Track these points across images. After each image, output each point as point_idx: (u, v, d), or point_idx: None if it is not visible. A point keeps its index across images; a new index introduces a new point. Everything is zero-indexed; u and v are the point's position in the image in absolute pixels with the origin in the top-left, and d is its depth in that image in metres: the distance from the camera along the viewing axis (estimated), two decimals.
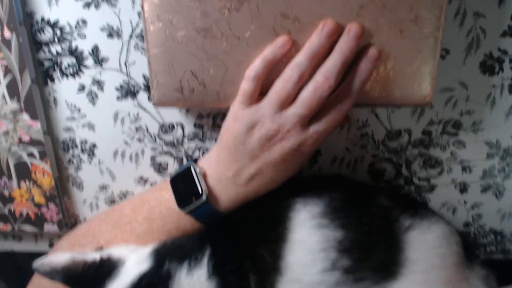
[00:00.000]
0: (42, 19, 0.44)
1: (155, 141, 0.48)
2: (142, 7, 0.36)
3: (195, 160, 0.42)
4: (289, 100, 0.36)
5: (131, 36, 0.44)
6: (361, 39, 0.35)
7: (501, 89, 0.44)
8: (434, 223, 0.41)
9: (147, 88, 0.45)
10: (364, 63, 0.36)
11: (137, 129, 0.47)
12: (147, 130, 0.47)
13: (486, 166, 0.47)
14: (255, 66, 0.37)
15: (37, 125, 0.47)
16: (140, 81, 0.45)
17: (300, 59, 0.36)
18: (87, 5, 0.43)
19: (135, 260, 0.39)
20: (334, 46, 0.36)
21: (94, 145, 0.49)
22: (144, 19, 0.37)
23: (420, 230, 0.40)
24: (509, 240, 0.51)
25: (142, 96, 0.46)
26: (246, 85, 0.37)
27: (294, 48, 0.37)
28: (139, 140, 0.48)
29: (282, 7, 0.35)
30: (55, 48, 0.45)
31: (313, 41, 0.36)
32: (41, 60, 0.45)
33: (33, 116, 0.46)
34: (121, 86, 0.46)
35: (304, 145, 0.37)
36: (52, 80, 0.46)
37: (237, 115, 0.38)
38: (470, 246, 0.48)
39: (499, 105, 0.45)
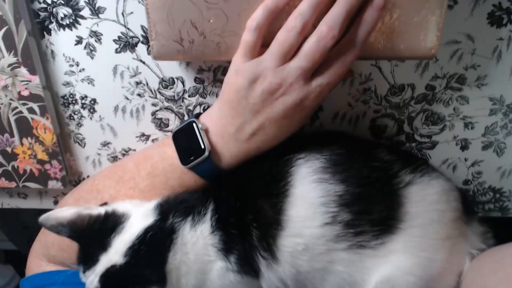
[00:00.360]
0: None
1: (156, 96, 0.47)
2: None
3: (197, 115, 0.42)
4: (292, 51, 0.35)
5: None
6: None
7: (508, 42, 0.43)
8: (434, 178, 0.42)
9: (146, 40, 0.44)
10: (369, 12, 0.35)
11: (137, 84, 0.47)
12: (147, 84, 0.47)
13: (488, 123, 0.47)
14: (257, 15, 0.35)
15: (36, 80, 0.46)
16: (139, 32, 0.44)
17: (303, 8, 0.34)
18: None
19: (139, 215, 0.39)
20: None
21: (94, 100, 0.48)
22: None
23: (419, 185, 0.40)
24: (507, 198, 0.51)
25: (141, 48, 0.45)
26: (247, 36, 0.36)
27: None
28: (140, 95, 0.47)
29: None
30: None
31: None
32: (36, 10, 0.44)
33: (31, 70, 0.46)
34: (119, 38, 0.45)
35: (307, 100, 0.37)
36: (49, 32, 0.45)
37: (239, 68, 0.37)
38: (469, 202, 0.49)
39: (505, 59, 0.44)
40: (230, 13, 0.36)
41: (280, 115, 0.38)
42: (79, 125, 0.50)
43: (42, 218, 0.39)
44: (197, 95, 0.47)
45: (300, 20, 0.34)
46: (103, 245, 0.37)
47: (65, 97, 0.48)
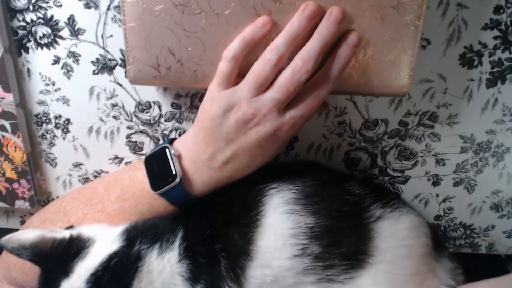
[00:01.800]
0: None
1: (131, 119, 0.47)
2: None
3: (171, 141, 0.42)
4: (267, 83, 0.36)
5: (108, 8, 0.42)
6: (342, 24, 0.35)
7: (479, 83, 0.44)
8: (404, 213, 0.42)
9: (124, 63, 0.44)
10: (344, 49, 0.36)
11: (113, 106, 0.46)
12: (123, 107, 0.46)
13: (459, 160, 0.48)
14: (233, 46, 0.36)
15: (9, 97, 0.45)
16: (117, 55, 0.44)
17: (279, 41, 0.35)
18: None
19: (105, 240, 0.38)
20: (315, 30, 0.35)
21: (68, 121, 0.48)
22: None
23: (390, 220, 0.40)
24: (477, 234, 0.52)
25: (119, 71, 0.45)
26: (223, 65, 0.36)
27: (274, 29, 0.36)
28: (115, 117, 0.47)
29: (265, 2, 0.35)
30: (30, 16, 0.43)
31: (293, 23, 0.35)
32: (15, 28, 0.44)
33: (5, 88, 0.45)
34: (97, 60, 0.44)
35: (280, 131, 0.37)
36: (26, 50, 0.45)
37: (214, 97, 0.37)
38: (440, 238, 0.49)
39: (476, 99, 0.45)
40: (208, 42, 0.37)
41: (253, 145, 0.38)
42: (51, 144, 0.49)
43: (3, 240, 0.37)
44: (173, 120, 0.47)
45: (276, 53, 0.35)
46: (66, 270, 0.36)
47: (39, 116, 0.48)
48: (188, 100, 0.46)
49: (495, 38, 0.43)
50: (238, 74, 0.37)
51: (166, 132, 0.48)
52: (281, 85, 0.35)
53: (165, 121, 0.47)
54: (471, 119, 0.46)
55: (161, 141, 0.48)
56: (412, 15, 0.36)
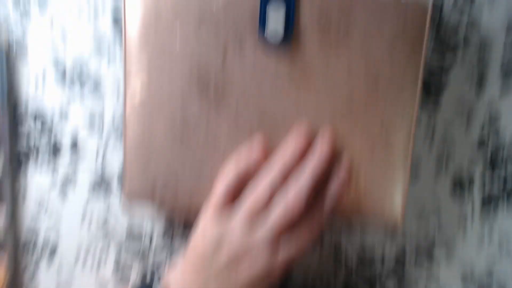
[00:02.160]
0: (26, 111, 0.44)
1: (121, 249, 0.46)
2: (124, 108, 0.37)
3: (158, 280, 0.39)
4: (260, 218, 0.36)
5: (112, 127, 0.44)
6: (331, 159, 0.36)
7: (472, 212, 0.45)
8: None
9: (120, 189, 0.45)
10: (335, 183, 0.36)
11: (104, 234, 0.45)
12: (114, 235, 0.45)
13: None
14: (228, 178, 0.37)
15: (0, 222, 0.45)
16: (114, 181, 0.45)
17: (273, 175, 0.36)
18: (73, 98, 0.44)
19: None
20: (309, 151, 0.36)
21: (55, 247, 0.46)
22: (124, 121, 0.38)
23: None
24: None
25: (114, 197, 0.45)
26: (217, 197, 0.37)
27: (269, 152, 0.37)
28: (103, 246, 0.46)
29: (260, 111, 0.37)
30: (33, 140, 0.45)
31: (286, 155, 0.36)
32: (17, 148, 0.45)
33: None
34: (93, 185, 0.45)
35: (273, 270, 0.36)
36: (25, 170, 0.45)
37: (205, 229, 0.37)
38: None
39: (471, 233, 0.45)
40: (204, 172, 0.37)
41: (245, 284, 0.36)
42: (35, 272, 0.46)
43: None
44: (165, 249, 0.45)
45: (269, 187, 0.36)
46: None
47: (27, 242, 0.46)
48: (180, 230, 0.45)
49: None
50: (233, 197, 0.37)
51: (156, 263, 0.46)
52: (274, 223, 0.35)
53: (156, 252, 0.45)
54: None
55: (149, 275, 0.46)
56: (401, 146, 0.37)
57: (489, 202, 0.45)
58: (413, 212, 0.44)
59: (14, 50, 0.44)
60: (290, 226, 0.35)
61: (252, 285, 0.36)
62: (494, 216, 0.45)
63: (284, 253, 0.36)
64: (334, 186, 0.36)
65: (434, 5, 0.42)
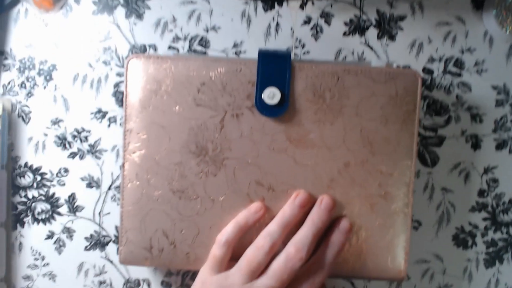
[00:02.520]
0: (26, 165, 0.45)
1: None
2: (123, 165, 0.38)
3: None
4: (260, 269, 0.35)
5: (109, 188, 0.44)
6: (332, 211, 0.36)
7: (477, 263, 0.44)
8: None
9: (118, 240, 0.44)
10: (336, 235, 0.36)
11: (100, 283, 0.45)
12: (111, 285, 0.45)
13: None
14: (227, 231, 0.36)
15: None
16: (112, 232, 0.44)
17: (272, 228, 0.36)
18: (72, 155, 0.44)
19: None
20: (307, 215, 0.36)
21: None
22: (123, 176, 0.38)
23: None
24: None
25: (111, 248, 0.44)
26: (216, 250, 0.36)
27: (267, 214, 0.37)
28: None
29: (257, 175, 0.37)
30: (32, 193, 0.45)
31: (285, 211, 0.36)
32: (15, 203, 0.45)
33: None
34: (91, 236, 0.44)
35: None
36: (22, 225, 0.45)
37: (205, 281, 0.36)
38: None
39: (477, 280, 0.44)
40: (202, 225, 0.37)
41: None
42: None
43: None
44: None
45: (269, 240, 0.35)
46: None
47: None
48: (179, 278, 0.44)
49: (484, 219, 0.44)
50: (231, 257, 0.37)
51: None
52: (275, 273, 0.35)
53: None
54: None
55: None
56: (400, 203, 0.37)
57: (493, 252, 0.44)
58: (417, 257, 0.44)
59: (17, 112, 0.44)
60: (291, 278, 0.35)
61: None
62: (499, 266, 0.44)
63: None
64: (335, 237, 0.36)
65: (424, 68, 0.43)
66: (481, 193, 0.44)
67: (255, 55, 0.36)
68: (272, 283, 0.34)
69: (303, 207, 0.36)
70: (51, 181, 0.45)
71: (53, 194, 0.45)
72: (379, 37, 0.43)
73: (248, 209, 0.37)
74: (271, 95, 0.35)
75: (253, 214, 0.37)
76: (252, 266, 0.35)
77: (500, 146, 0.43)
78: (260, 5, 0.43)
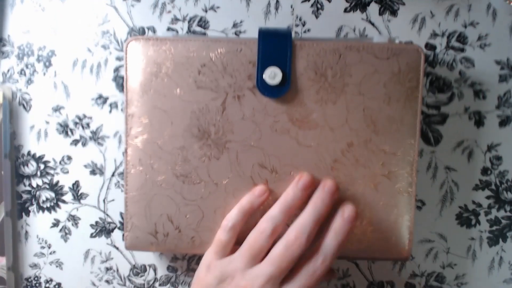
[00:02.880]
0: (29, 153, 0.45)
1: (125, 283, 0.45)
2: (126, 150, 0.38)
3: None
4: (262, 253, 0.35)
5: (113, 174, 0.44)
6: (335, 195, 0.35)
7: (480, 242, 0.44)
8: None
9: (123, 226, 0.44)
10: (340, 224, 0.34)
11: (107, 269, 0.45)
12: (118, 271, 0.45)
13: None
14: (232, 216, 0.36)
15: (2, 261, 0.44)
16: (117, 219, 0.45)
17: (274, 212, 0.35)
18: (75, 142, 0.44)
19: None
20: (310, 197, 0.36)
21: (59, 285, 0.46)
22: (126, 162, 0.38)
23: None
24: None
25: (117, 234, 0.45)
26: (222, 235, 0.36)
27: (271, 197, 0.37)
28: (108, 281, 0.45)
29: (260, 157, 0.37)
30: (36, 181, 0.45)
31: (288, 194, 0.36)
32: (20, 192, 0.45)
33: (0, 251, 0.44)
34: (96, 223, 0.45)
35: None
36: (27, 213, 0.45)
37: (210, 265, 0.36)
38: None
39: (481, 259, 0.44)
40: (207, 209, 0.37)
41: None
42: None
43: None
44: (169, 284, 0.45)
45: (271, 224, 0.35)
46: None
47: (29, 280, 0.46)
48: (184, 263, 0.45)
49: (487, 197, 0.44)
50: (236, 241, 0.37)
51: None
52: (274, 259, 0.34)
53: (160, 285, 0.45)
54: (479, 279, 0.44)
55: None
56: (404, 183, 0.37)
57: (497, 231, 0.44)
58: (420, 237, 0.44)
59: (18, 100, 0.44)
60: (292, 265, 0.34)
61: None
62: (503, 245, 0.44)
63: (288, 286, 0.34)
64: (338, 225, 0.34)
65: (427, 44, 0.43)
66: (485, 171, 0.43)
67: (255, 35, 0.35)
68: (272, 270, 0.34)
69: (306, 190, 0.36)
70: (55, 169, 0.45)
71: (57, 182, 0.45)
72: (381, 12, 0.42)
73: (252, 193, 0.37)
74: (272, 75, 0.35)
75: (257, 198, 0.36)
76: (254, 250, 0.35)
77: (503, 122, 0.43)
78: None
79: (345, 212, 0.35)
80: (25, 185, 0.45)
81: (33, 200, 0.45)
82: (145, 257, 0.45)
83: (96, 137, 0.44)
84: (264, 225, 0.35)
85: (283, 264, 0.34)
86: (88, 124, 0.44)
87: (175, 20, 0.43)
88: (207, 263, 0.37)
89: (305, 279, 0.34)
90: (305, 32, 0.43)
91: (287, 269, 0.34)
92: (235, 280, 0.35)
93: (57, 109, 0.44)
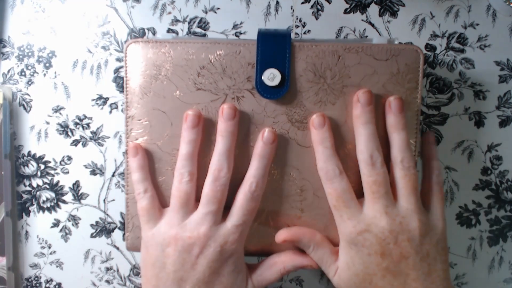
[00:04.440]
0: (29, 153, 0.45)
1: (125, 284, 0.45)
2: (127, 151, 0.38)
3: None
4: (191, 199, 0.35)
5: (113, 175, 0.44)
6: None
7: (481, 241, 0.44)
8: None
9: (124, 226, 0.44)
10: (262, 147, 0.35)
11: (107, 269, 0.45)
12: (118, 271, 0.45)
13: None
14: (138, 182, 0.36)
15: (3, 261, 0.45)
16: (117, 219, 0.45)
17: (181, 161, 0.35)
18: (75, 143, 0.44)
19: None
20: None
21: (59, 285, 0.46)
22: (127, 163, 0.38)
23: None
24: None
25: (117, 234, 0.45)
26: (141, 202, 0.36)
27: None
28: (108, 281, 0.45)
29: None
30: (36, 181, 0.45)
31: (184, 138, 0.35)
32: (20, 192, 0.45)
33: (0, 251, 0.44)
34: (96, 223, 0.45)
35: (227, 244, 0.34)
36: (28, 213, 0.45)
37: (147, 240, 0.35)
38: None
39: (481, 258, 0.44)
40: None
41: (206, 273, 0.34)
42: None
43: None
44: None
45: (184, 171, 0.35)
46: None
47: (29, 280, 0.46)
48: None
49: (487, 197, 0.44)
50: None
51: None
52: (207, 196, 0.34)
53: None
54: (479, 278, 0.44)
55: None
56: None
57: (497, 230, 0.44)
58: None
59: (18, 100, 0.44)
60: (225, 193, 0.35)
61: (215, 273, 0.34)
62: (503, 244, 0.44)
63: (232, 222, 0.34)
64: (260, 146, 0.35)
65: (427, 45, 0.43)
66: (485, 171, 0.43)
67: (255, 36, 0.35)
68: (210, 207, 0.34)
69: (194, 128, 0.35)
70: (55, 169, 0.45)
71: (57, 182, 0.45)
72: (381, 13, 0.42)
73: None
74: (271, 76, 0.35)
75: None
76: (181, 199, 0.34)
77: (503, 123, 0.43)
78: None
79: (265, 136, 0.35)
80: (25, 185, 0.45)
81: (33, 200, 0.45)
82: None
83: (96, 137, 0.44)
84: (179, 175, 0.35)
85: (217, 196, 0.34)
86: (88, 125, 0.44)
87: (175, 21, 0.43)
88: (144, 241, 0.36)
89: (246, 203, 0.35)
90: (305, 33, 0.43)
91: (223, 201, 0.35)
92: (178, 237, 0.34)
93: (57, 109, 0.44)
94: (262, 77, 0.35)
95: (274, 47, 0.35)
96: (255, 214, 0.36)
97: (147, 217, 0.36)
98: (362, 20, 0.42)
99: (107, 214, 0.45)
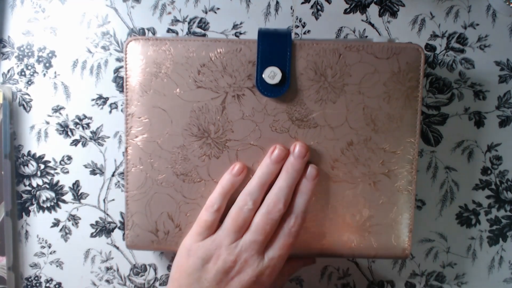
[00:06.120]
0: (29, 153, 0.45)
1: (125, 283, 0.45)
2: (126, 149, 0.38)
3: None
4: (245, 226, 0.36)
5: (113, 174, 0.44)
6: (306, 158, 0.36)
7: (480, 241, 0.44)
8: None
9: (123, 226, 0.44)
10: (304, 183, 0.36)
11: (107, 269, 0.45)
12: (118, 270, 0.45)
13: None
14: (216, 198, 0.36)
15: (3, 261, 0.44)
16: (117, 218, 0.45)
17: (251, 188, 0.36)
18: (75, 142, 0.44)
19: None
20: None
21: (59, 285, 0.46)
22: (127, 161, 0.38)
23: None
24: None
25: (117, 234, 0.45)
26: (207, 216, 0.36)
27: (251, 174, 0.37)
28: (108, 281, 0.45)
29: (260, 156, 0.37)
30: (36, 181, 0.45)
31: (263, 168, 0.36)
32: (20, 192, 0.45)
33: (0, 251, 0.44)
34: (96, 223, 0.45)
35: (263, 276, 0.35)
36: (27, 213, 0.45)
37: (191, 249, 0.36)
38: None
39: (481, 258, 0.44)
40: None
41: None
42: None
43: None
44: None
45: (250, 198, 0.36)
46: None
47: (30, 279, 0.46)
48: None
49: (487, 197, 0.44)
50: (217, 217, 0.37)
51: None
52: (258, 226, 0.35)
53: (160, 285, 0.45)
54: (479, 278, 0.44)
55: None
56: (404, 181, 0.37)
57: (497, 230, 0.44)
58: (421, 236, 0.44)
59: (18, 100, 0.44)
60: (273, 227, 0.35)
61: None
62: (503, 244, 0.44)
63: (270, 256, 0.35)
64: (303, 186, 0.36)
65: (427, 45, 0.43)
66: (485, 171, 0.44)
67: (255, 36, 0.35)
68: (257, 237, 0.35)
69: (279, 163, 0.36)
70: (55, 169, 0.45)
71: (57, 182, 0.45)
72: (381, 14, 0.42)
73: (231, 173, 0.37)
74: (272, 74, 0.35)
75: (236, 177, 0.37)
76: (237, 224, 0.35)
77: (503, 123, 0.43)
78: None
79: (308, 172, 0.36)
80: (25, 185, 0.45)
81: (33, 200, 0.45)
82: (146, 257, 0.45)
83: (96, 137, 0.44)
84: (244, 199, 0.36)
85: (267, 229, 0.35)
86: (88, 125, 0.44)
87: (175, 21, 0.43)
88: (187, 247, 0.36)
89: (283, 239, 0.36)
90: (305, 33, 0.43)
91: (270, 234, 0.35)
92: (221, 257, 0.35)
93: (57, 109, 0.44)
94: (263, 75, 0.35)
95: (275, 45, 0.35)
96: (289, 250, 0.36)
97: (202, 229, 0.36)
98: (362, 20, 0.43)
99: (107, 214, 0.45)
